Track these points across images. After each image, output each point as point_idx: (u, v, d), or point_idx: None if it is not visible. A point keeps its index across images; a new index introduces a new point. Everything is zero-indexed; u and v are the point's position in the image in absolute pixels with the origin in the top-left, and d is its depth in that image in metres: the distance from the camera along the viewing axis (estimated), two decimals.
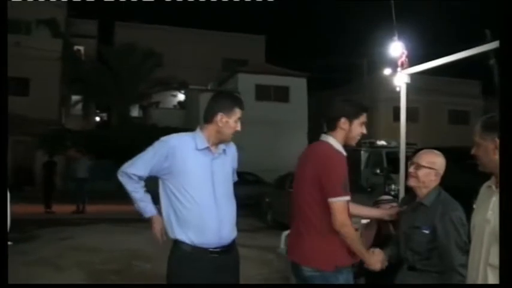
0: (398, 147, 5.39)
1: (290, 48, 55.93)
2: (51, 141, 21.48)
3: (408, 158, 3.24)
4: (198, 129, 2.98)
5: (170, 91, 31.64)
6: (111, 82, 25.98)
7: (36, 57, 24.62)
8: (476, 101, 32.10)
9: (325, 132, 3.03)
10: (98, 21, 33.90)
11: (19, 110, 19.75)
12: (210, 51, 34.05)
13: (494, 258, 2.13)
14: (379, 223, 4.14)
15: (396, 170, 5.99)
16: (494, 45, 3.65)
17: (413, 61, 4.90)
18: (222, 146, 3.00)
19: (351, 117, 2.97)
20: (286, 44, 54.57)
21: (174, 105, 34.02)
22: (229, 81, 29.64)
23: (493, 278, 2.14)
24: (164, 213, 2.92)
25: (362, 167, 19.71)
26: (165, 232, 2.98)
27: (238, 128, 2.96)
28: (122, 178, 2.97)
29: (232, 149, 3.10)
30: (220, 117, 2.90)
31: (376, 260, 3.04)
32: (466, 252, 2.78)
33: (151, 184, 3.03)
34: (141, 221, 10.99)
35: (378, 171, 17.79)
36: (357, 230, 3.10)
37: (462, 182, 4.81)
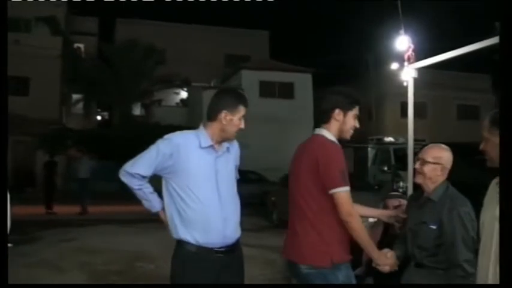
0: (406, 143, 5.38)
1: (294, 44, 55.84)
2: (51, 141, 21.55)
3: (416, 155, 3.23)
4: (201, 127, 2.98)
5: (173, 88, 31.64)
6: (112, 80, 26.02)
7: (36, 56, 24.71)
8: (486, 95, 31.96)
9: (318, 126, 3.02)
10: (98, 18, 33.93)
11: (19, 109, 19.82)
12: (213, 48, 34.04)
13: None
14: (385, 222, 4.14)
15: (404, 167, 5.98)
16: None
17: (420, 55, 4.89)
18: (225, 144, 3.00)
19: (344, 108, 2.96)
20: (290, 39, 54.46)
21: (177, 103, 34.05)
22: (232, 78, 29.63)
23: None
24: (167, 213, 2.92)
25: (369, 164, 19.71)
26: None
27: (242, 125, 2.97)
28: (124, 178, 2.94)
29: (235, 147, 3.10)
30: (224, 115, 2.91)
31: (386, 262, 3.00)
32: (473, 248, 2.78)
33: (155, 183, 3.03)
34: (144, 222, 11.03)
35: (386, 168, 17.79)
36: None
37: (471, 178, 4.80)
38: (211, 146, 2.92)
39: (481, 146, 2.39)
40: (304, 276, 2.87)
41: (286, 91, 28.49)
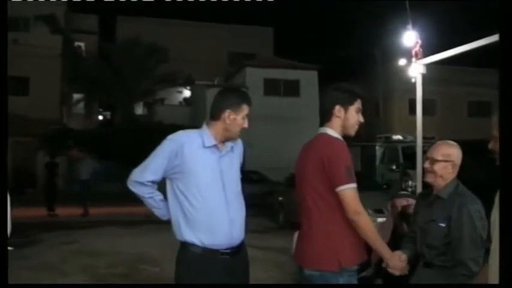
0: (414, 141, 5.38)
1: (299, 40, 55.77)
2: (52, 141, 21.59)
3: (425, 153, 3.22)
4: (204, 126, 2.98)
5: (175, 87, 31.72)
6: (113, 79, 26.06)
7: (36, 55, 24.80)
8: (498, 91, 31.78)
9: (322, 125, 3.03)
10: (98, 16, 34.01)
11: (19, 109, 19.90)
12: (216, 45, 34.08)
13: None
14: (395, 222, 4.14)
15: (413, 166, 5.98)
16: None
17: (428, 51, 4.89)
18: (229, 144, 3.01)
19: (344, 104, 2.95)
20: (295, 35, 54.42)
21: (180, 102, 34.10)
22: (236, 76, 29.64)
23: None
24: (172, 214, 2.92)
25: (377, 163, 19.70)
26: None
27: (246, 125, 2.97)
28: (134, 188, 2.93)
29: (239, 146, 3.11)
30: (227, 114, 2.91)
31: (398, 264, 2.94)
32: (480, 247, 2.78)
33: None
34: (147, 223, 11.07)
35: (394, 167, 17.78)
36: None
37: (483, 176, 4.80)
38: (215, 146, 2.92)
39: (490, 145, 2.38)
40: (307, 279, 2.87)
41: (291, 89, 28.48)
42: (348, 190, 2.74)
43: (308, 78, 28.69)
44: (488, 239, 2.54)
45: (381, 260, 3.03)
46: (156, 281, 6.94)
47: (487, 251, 2.60)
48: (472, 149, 3.59)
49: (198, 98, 29.21)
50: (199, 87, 29.00)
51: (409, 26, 4.95)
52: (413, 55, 4.88)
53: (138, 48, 26.28)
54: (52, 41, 25.86)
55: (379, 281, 4.07)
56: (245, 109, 2.95)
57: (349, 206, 2.73)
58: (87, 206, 15.37)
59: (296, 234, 6.83)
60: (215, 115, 2.95)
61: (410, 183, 14.65)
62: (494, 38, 3.96)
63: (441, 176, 3.00)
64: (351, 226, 2.78)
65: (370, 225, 2.79)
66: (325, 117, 3.00)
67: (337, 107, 2.94)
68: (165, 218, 3.01)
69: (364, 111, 3.03)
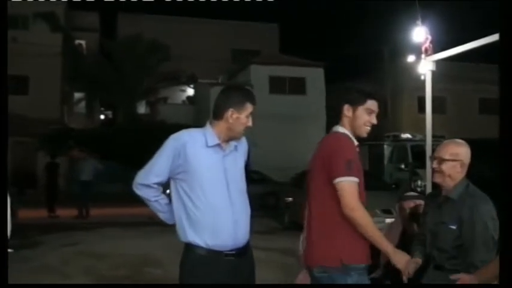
0: (424, 140, 5.37)
1: (305, 37, 55.74)
2: (53, 141, 21.65)
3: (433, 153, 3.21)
4: (207, 125, 2.99)
5: (179, 86, 31.74)
6: (115, 77, 26.10)
7: (35, 54, 24.85)
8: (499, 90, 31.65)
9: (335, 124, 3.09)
10: (99, 13, 34.08)
11: (18, 109, 19.96)
12: (220, 42, 34.09)
13: None
14: (404, 222, 4.14)
15: (422, 165, 5.97)
16: None
17: (438, 47, 4.87)
18: (233, 143, 3.00)
19: (353, 104, 2.98)
20: (301, 32, 54.39)
21: (183, 101, 34.14)
22: (240, 74, 29.63)
23: None
24: (176, 215, 2.92)
25: (385, 162, 19.67)
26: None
27: (250, 123, 2.96)
28: (139, 191, 2.94)
29: (243, 144, 3.10)
30: (230, 113, 2.91)
31: (402, 259, 2.88)
32: (492, 249, 2.76)
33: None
34: (150, 225, 11.07)
35: (403, 166, 17.75)
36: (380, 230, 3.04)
37: (495, 175, 4.78)
38: (218, 145, 2.92)
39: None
40: (317, 282, 2.87)
41: (297, 86, 28.43)
42: (346, 183, 2.73)
43: (314, 76, 28.65)
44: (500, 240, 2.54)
45: (389, 261, 3.02)
46: (159, 283, 6.96)
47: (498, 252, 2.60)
48: (483, 147, 3.58)
49: (201, 97, 29.24)
50: (203, 85, 29.01)
51: (419, 22, 4.93)
52: (423, 51, 4.86)
53: (140, 45, 26.30)
54: (52, 39, 25.89)
55: (387, 283, 4.07)
56: (249, 108, 2.94)
57: (344, 199, 2.72)
58: (89, 207, 15.38)
59: (303, 236, 6.83)
60: (218, 114, 2.94)
61: (419, 183, 14.64)
62: None
63: (449, 176, 2.99)
64: None
65: (367, 221, 2.77)
66: (337, 116, 3.05)
67: (346, 106, 2.98)
68: (170, 223, 3.02)
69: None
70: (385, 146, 20.28)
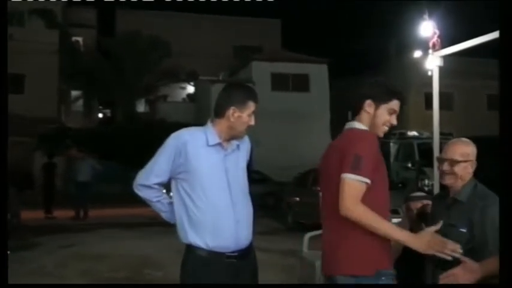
0: (431, 138, 5.35)
1: (308, 32, 55.68)
2: (50, 141, 21.71)
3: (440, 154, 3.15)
4: (208, 123, 2.98)
5: (179, 83, 31.77)
6: (113, 75, 26.16)
7: (31, 51, 24.85)
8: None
9: (349, 121, 2.90)
10: (96, 9, 34.08)
11: (14, 108, 19.93)
12: (221, 38, 34.11)
13: None
14: (411, 223, 4.13)
15: (429, 164, 5.96)
16: None
17: (446, 42, 4.86)
18: (235, 142, 3.00)
19: (376, 100, 2.80)
20: (304, 27, 54.36)
21: (183, 98, 34.19)
22: (242, 71, 29.66)
23: None
24: (177, 216, 2.92)
25: (391, 160, 19.63)
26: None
27: (252, 122, 2.95)
28: (140, 192, 2.95)
29: (245, 143, 3.10)
30: (232, 112, 2.89)
31: (422, 240, 2.62)
32: None
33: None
34: (149, 225, 11.06)
35: (409, 164, 17.73)
36: None
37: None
38: (219, 144, 2.92)
39: None
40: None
41: (300, 83, 28.45)
42: (349, 180, 2.55)
43: (318, 72, 28.66)
44: None
45: (400, 258, 2.90)
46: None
47: None
48: (492, 145, 3.55)
49: (202, 94, 29.27)
50: (204, 82, 29.04)
51: (426, 16, 4.92)
52: (430, 46, 4.85)
53: (139, 42, 26.33)
54: (48, 36, 25.93)
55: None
56: (251, 106, 2.93)
57: (342, 199, 2.54)
58: (87, 208, 15.39)
59: (307, 236, 6.83)
60: (219, 112, 2.93)
61: (426, 182, 14.61)
62: None
63: (461, 177, 2.97)
64: None
65: (368, 216, 2.55)
66: (353, 111, 2.86)
67: (368, 102, 2.80)
68: (173, 222, 3.01)
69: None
70: (391, 144, 20.22)
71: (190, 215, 2.85)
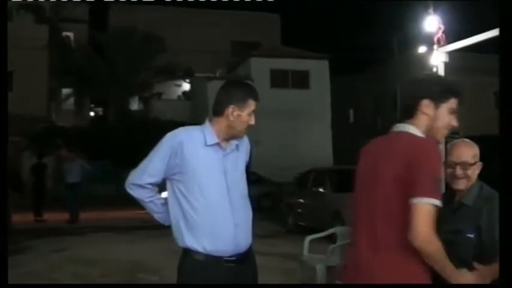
0: None
1: (309, 27, 55.69)
2: (40, 140, 21.67)
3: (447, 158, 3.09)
4: (206, 122, 2.98)
5: (174, 80, 31.74)
6: (106, 72, 26.11)
7: (20, 47, 24.72)
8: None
9: (399, 121, 2.62)
10: (88, 3, 33.98)
11: None
12: (218, 34, 34.09)
13: None
14: None
15: None
16: None
17: (451, 37, 4.88)
18: (234, 142, 2.99)
19: (436, 99, 2.54)
20: (303, 22, 54.37)
21: (179, 96, 34.15)
22: (240, 67, 29.66)
23: None
24: (173, 219, 2.91)
25: None
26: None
27: (252, 121, 2.95)
28: (133, 192, 2.94)
29: (245, 143, 3.10)
30: (231, 110, 2.89)
31: (468, 279, 2.55)
32: None
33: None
34: (143, 228, 11.07)
35: None
36: None
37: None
38: (218, 144, 2.91)
39: None
40: None
41: (300, 80, 28.45)
42: (426, 205, 2.28)
43: (318, 69, 28.66)
44: None
45: None
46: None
47: None
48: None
49: (198, 92, 29.26)
50: (200, 79, 29.03)
51: (431, 11, 4.94)
52: (435, 42, 4.87)
53: (132, 37, 26.28)
54: (37, 31, 25.82)
55: None
56: (251, 105, 2.93)
57: (417, 227, 2.28)
58: (78, 210, 15.30)
59: (308, 239, 6.85)
60: (218, 111, 2.93)
61: None
62: None
63: (471, 180, 2.95)
64: None
65: (441, 256, 2.37)
66: (405, 112, 2.60)
67: (426, 102, 2.52)
68: (167, 224, 3.01)
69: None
70: None
71: (187, 218, 2.84)
